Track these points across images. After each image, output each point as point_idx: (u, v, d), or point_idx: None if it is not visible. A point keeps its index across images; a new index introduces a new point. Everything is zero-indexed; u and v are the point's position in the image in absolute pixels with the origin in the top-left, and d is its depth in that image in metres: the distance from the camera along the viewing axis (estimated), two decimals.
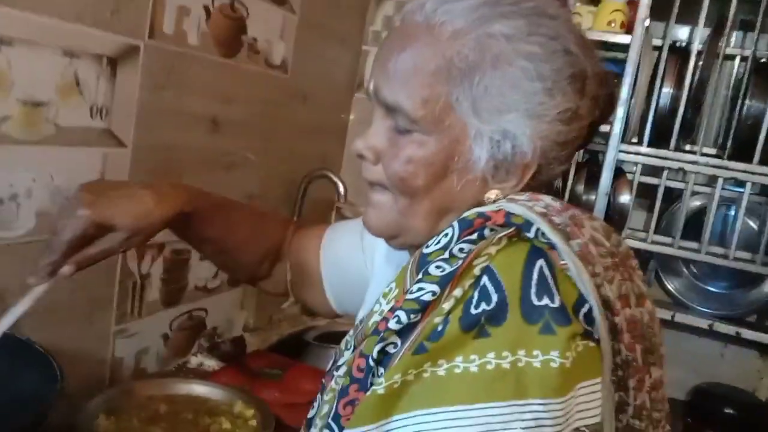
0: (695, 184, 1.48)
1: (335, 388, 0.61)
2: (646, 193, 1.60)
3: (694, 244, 1.47)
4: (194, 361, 1.37)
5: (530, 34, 0.58)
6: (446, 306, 0.54)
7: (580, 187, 1.55)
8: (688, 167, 1.43)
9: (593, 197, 1.51)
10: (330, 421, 0.58)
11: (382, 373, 0.55)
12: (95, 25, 0.99)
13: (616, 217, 1.53)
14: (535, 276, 0.54)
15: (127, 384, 1.17)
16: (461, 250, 0.57)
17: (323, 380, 0.67)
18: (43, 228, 0.98)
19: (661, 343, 0.62)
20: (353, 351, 0.61)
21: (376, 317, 0.59)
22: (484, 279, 0.55)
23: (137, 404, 1.10)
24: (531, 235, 0.56)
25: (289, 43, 1.50)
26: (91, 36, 0.99)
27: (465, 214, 0.60)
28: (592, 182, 1.52)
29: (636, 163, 1.48)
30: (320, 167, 1.70)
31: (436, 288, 0.55)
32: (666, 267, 1.64)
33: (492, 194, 0.61)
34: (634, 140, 1.51)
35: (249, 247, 0.88)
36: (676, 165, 1.44)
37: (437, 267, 0.57)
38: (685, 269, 1.64)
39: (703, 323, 1.52)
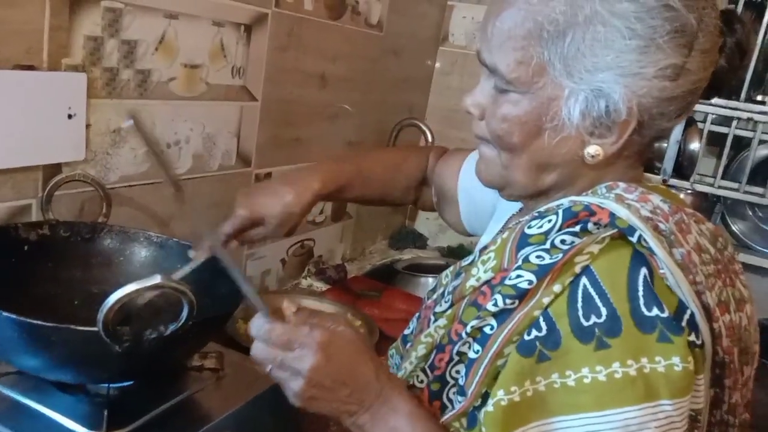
0: (763, 133, 1.56)
1: (434, 335, 0.67)
2: (715, 141, 1.69)
3: (759, 189, 1.57)
4: (305, 283, 1.61)
5: None
6: (545, 300, 0.57)
7: None
8: (757, 117, 1.52)
9: (665, 145, 1.62)
10: (426, 367, 0.66)
11: (478, 350, 0.60)
12: None
13: (685, 164, 1.65)
14: (640, 287, 0.56)
15: None
16: (563, 241, 0.59)
17: (420, 311, 0.77)
18: (197, 168, 1.22)
19: (756, 341, 0.65)
20: (451, 306, 0.67)
21: (473, 281, 0.65)
22: (585, 282, 0.57)
23: None
24: (633, 239, 0.58)
25: (385, 3, 1.66)
26: (233, 7, 1.19)
27: (570, 204, 0.62)
28: None
29: (707, 113, 1.58)
30: (408, 116, 1.88)
31: (533, 277, 0.58)
32: (732, 210, 1.75)
33: (591, 149, 0.62)
34: None
35: (389, 191, 1.03)
36: (745, 115, 1.53)
37: (537, 256, 0.59)
38: (750, 213, 1.74)
39: (766, 263, 1.63)
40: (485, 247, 0.68)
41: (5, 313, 0.66)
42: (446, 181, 1.00)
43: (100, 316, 0.64)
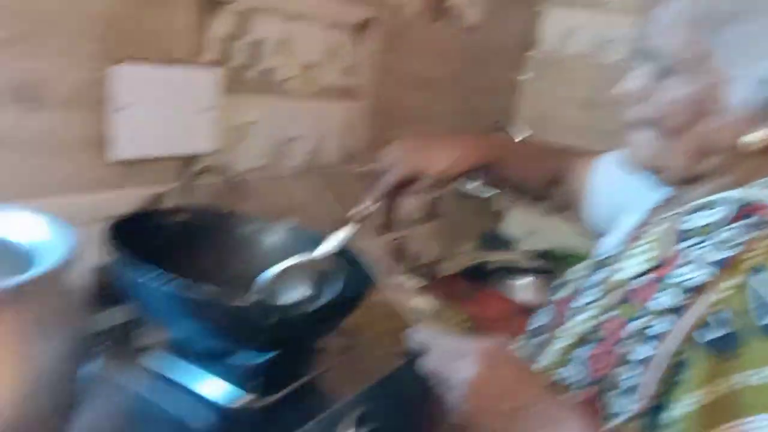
0: None
1: (577, 329, 0.66)
2: None
3: None
4: (398, 280, 1.63)
5: None
6: (719, 297, 0.56)
7: None
8: None
9: None
10: (571, 363, 0.66)
11: (649, 351, 0.59)
12: (348, 1, 1.24)
13: None
14: None
15: None
16: (731, 237, 0.58)
17: (551, 305, 0.76)
18: (311, 163, 1.27)
19: None
20: (596, 300, 0.66)
21: (626, 274, 0.64)
22: (755, 281, 0.55)
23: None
24: None
25: (478, 8, 1.68)
26: (345, 10, 1.25)
27: (736, 198, 0.61)
28: None
29: None
30: (499, 120, 1.89)
31: (703, 274, 0.57)
32: None
33: (753, 137, 0.61)
34: None
35: (531, 181, 1.00)
36: None
37: (706, 252, 0.58)
38: None
39: None
40: (631, 240, 0.67)
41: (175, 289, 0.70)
42: (578, 182, 0.98)
43: (256, 288, 0.69)
